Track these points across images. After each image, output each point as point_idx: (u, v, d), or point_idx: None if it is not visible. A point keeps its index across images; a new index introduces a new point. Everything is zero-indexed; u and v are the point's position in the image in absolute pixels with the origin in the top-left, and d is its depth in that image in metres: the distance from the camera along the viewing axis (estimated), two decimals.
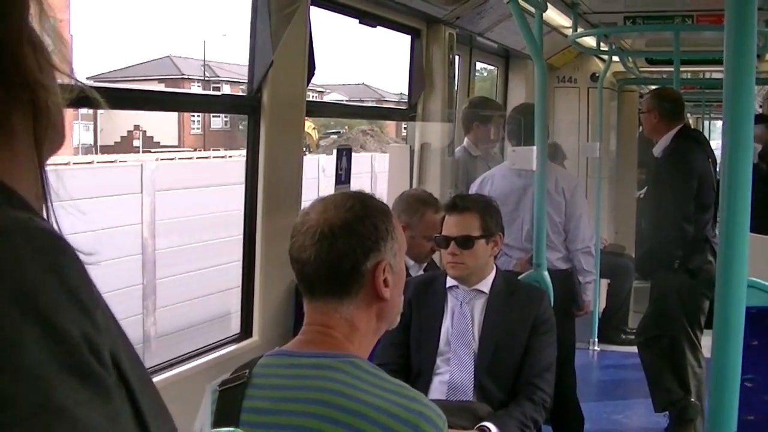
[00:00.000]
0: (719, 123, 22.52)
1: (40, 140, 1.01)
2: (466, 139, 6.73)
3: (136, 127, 47.76)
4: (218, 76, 53.49)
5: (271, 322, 4.54)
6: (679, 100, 6.30)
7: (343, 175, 5.06)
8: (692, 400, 6.03)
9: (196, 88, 51.44)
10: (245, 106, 4.46)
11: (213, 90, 46.64)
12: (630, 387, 7.61)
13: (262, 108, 4.36)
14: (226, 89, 48.73)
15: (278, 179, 4.49)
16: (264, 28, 4.30)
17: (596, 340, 8.79)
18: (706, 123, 17.38)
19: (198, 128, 53.31)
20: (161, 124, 48.61)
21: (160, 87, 37.78)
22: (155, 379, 3.75)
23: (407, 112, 6.42)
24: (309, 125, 37.53)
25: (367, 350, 2.31)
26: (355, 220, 2.22)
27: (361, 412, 2.05)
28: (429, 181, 6.36)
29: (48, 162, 1.05)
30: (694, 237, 5.85)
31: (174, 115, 45.76)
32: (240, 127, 41.92)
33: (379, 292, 2.23)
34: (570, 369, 5.64)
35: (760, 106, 14.69)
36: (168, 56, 56.52)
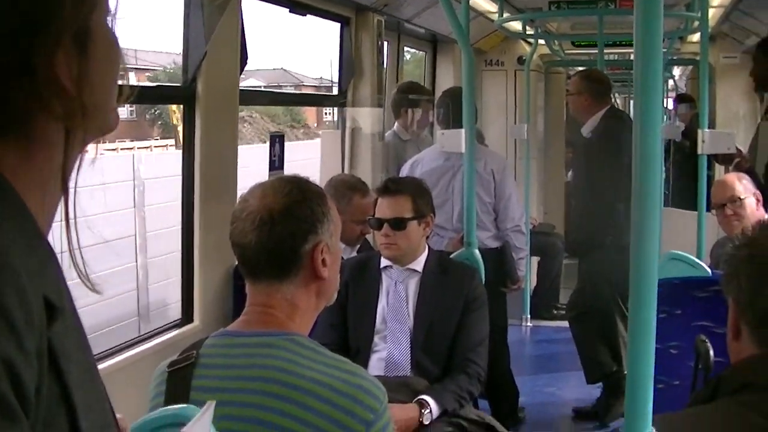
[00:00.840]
0: None
1: (71, 150, 1.09)
2: (396, 124, 6.84)
3: None
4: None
5: (211, 307, 4.62)
6: (606, 81, 6.45)
7: (276, 161, 5.15)
8: (625, 372, 6.17)
9: None
10: (180, 96, 4.53)
11: None
12: (562, 360, 7.76)
13: (197, 98, 4.43)
14: (131, 76, 46.42)
15: (215, 167, 4.56)
16: (197, 18, 4.36)
17: (528, 316, 8.96)
18: (629, 102, 17.61)
19: None
20: None
21: None
22: (100, 366, 3.83)
23: (338, 98, 6.51)
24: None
25: (308, 327, 2.39)
26: (293, 204, 2.31)
27: (303, 387, 2.15)
28: (360, 166, 6.46)
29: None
30: (625, 214, 6.00)
31: None
32: (147, 116, 39.91)
33: (317, 272, 2.33)
34: (503, 344, 5.78)
35: (684, 86, 14.99)
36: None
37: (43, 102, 1.02)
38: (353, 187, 4.73)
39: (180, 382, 2.30)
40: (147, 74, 47.68)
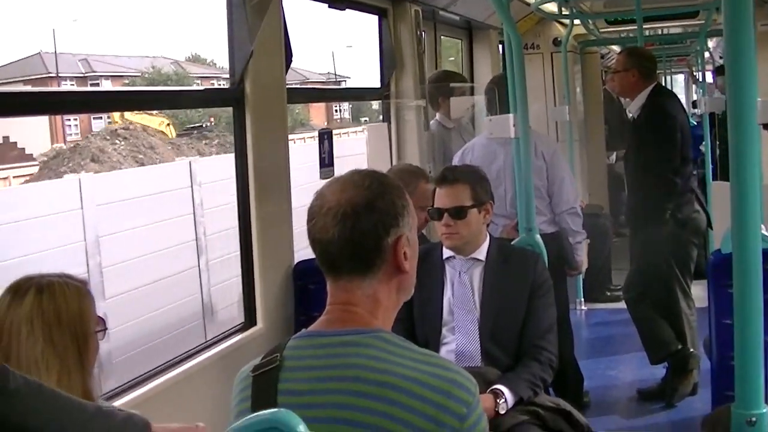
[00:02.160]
0: (680, 77, 22.77)
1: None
2: (438, 114, 6.81)
3: (5, 138, 35.76)
4: (95, 71, 47.78)
5: (274, 309, 4.60)
6: (653, 57, 6.41)
7: (326, 159, 5.11)
8: (691, 350, 6.12)
9: (68, 86, 44.96)
10: (229, 98, 4.50)
11: (90, 86, 42.03)
12: (621, 342, 7.69)
13: (246, 99, 4.41)
14: (107, 84, 44.96)
15: (267, 166, 4.53)
16: (241, 19, 4.34)
17: (582, 300, 8.88)
18: (668, 78, 17.50)
19: (76, 133, 43.40)
20: (31, 130, 36.18)
21: (27, 89, 32.67)
22: (165, 376, 3.81)
23: (381, 92, 6.47)
24: (161, 121, 34.04)
25: (390, 323, 2.34)
26: (375, 197, 2.25)
27: (394, 384, 2.10)
28: (408, 157, 6.42)
29: None
30: (682, 189, 5.95)
31: (45, 119, 38.81)
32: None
33: (400, 265, 2.27)
34: (566, 329, 5.70)
35: (720, 57, 14.83)
36: (38, 53, 49.27)
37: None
38: (416, 173, 4.71)
39: (266, 386, 2.24)
40: (125, 80, 46.83)
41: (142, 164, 26.38)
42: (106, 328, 2.74)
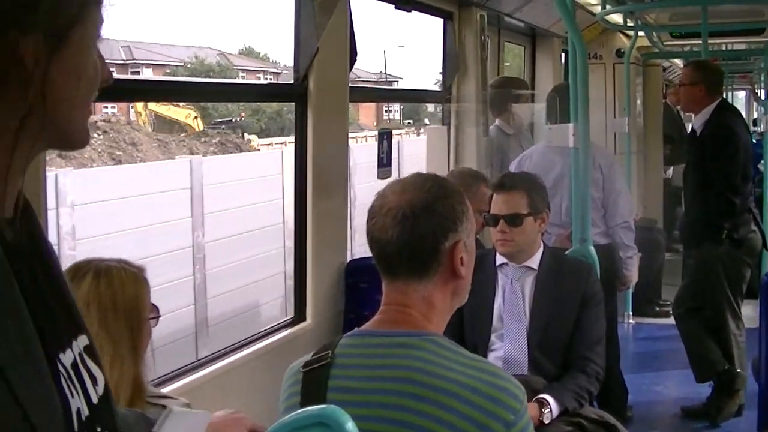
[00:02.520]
0: (741, 94, 22.54)
1: (24, 134, 1.26)
2: (497, 119, 6.81)
3: None
4: (135, 59, 46.27)
5: (324, 305, 4.62)
6: (721, 72, 6.35)
7: (384, 158, 5.13)
8: (738, 370, 6.07)
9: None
10: (292, 94, 4.54)
11: (131, 74, 40.73)
12: (667, 358, 7.66)
13: (309, 95, 4.44)
14: (148, 73, 44.68)
15: (326, 163, 4.57)
16: (308, 16, 4.37)
17: (630, 313, 8.83)
18: (729, 94, 17.33)
19: None
20: None
21: None
22: (214, 366, 3.85)
23: (442, 95, 6.49)
24: (188, 113, 33.50)
25: (443, 327, 2.36)
26: (435, 200, 2.27)
27: (444, 388, 2.11)
28: (465, 161, 6.42)
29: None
30: (740, 208, 5.90)
31: None
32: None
33: (456, 270, 2.29)
34: (614, 342, 5.68)
35: None
36: None
37: (10, 77, 1.21)
38: (477, 176, 4.71)
39: (316, 382, 2.27)
40: (166, 70, 46.72)
41: (119, 162, 24.74)
42: (159, 316, 2.77)
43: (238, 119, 38.93)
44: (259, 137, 35.56)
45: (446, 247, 2.27)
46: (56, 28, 1.27)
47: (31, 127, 1.27)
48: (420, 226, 2.25)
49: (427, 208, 2.26)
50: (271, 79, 42.46)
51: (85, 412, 1.31)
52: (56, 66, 1.27)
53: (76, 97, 1.32)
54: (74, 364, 1.33)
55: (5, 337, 1.15)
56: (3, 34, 1.21)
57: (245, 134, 35.06)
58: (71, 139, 1.36)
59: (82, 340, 1.38)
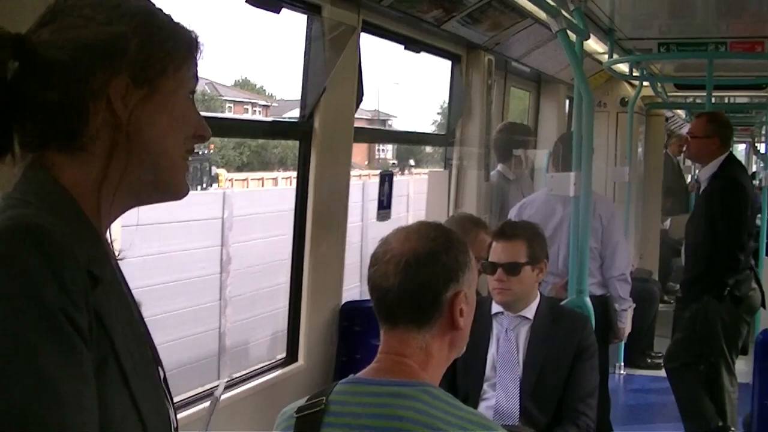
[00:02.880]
0: (740, 146, 22.60)
1: (111, 170, 1.47)
2: (500, 165, 6.81)
3: None
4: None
5: (317, 347, 4.59)
6: (731, 125, 6.32)
7: (384, 201, 5.12)
8: (732, 429, 6.04)
9: None
10: (297, 131, 4.53)
11: None
12: (658, 411, 7.62)
13: (314, 134, 4.43)
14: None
15: (326, 204, 4.55)
16: (318, 55, 4.37)
17: (623, 364, 8.79)
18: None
19: None
20: None
21: None
22: (204, 404, 3.81)
23: (446, 138, 6.48)
24: None
25: (438, 378, 2.34)
26: (439, 250, 2.26)
27: None
28: (465, 205, 6.41)
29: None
30: (743, 265, 5.89)
31: None
32: None
33: (455, 321, 2.28)
34: (604, 393, 5.67)
35: None
36: None
37: (96, 117, 1.42)
38: (477, 223, 4.67)
39: (308, 428, 2.25)
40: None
41: None
42: None
43: (205, 151, 38.83)
44: (240, 171, 35.44)
45: (447, 297, 2.26)
46: (145, 74, 1.46)
47: (119, 170, 1.48)
48: (423, 275, 2.24)
49: (430, 258, 2.25)
50: (259, 111, 42.81)
51: (175, 423, 1.59)
52: (144, 110, 1.46)
53: (166, 144, 1.51)
54: (164, 380, 1.60)
55: (131, 354, 1.42)
56: (92, 73, 1.41)
57: (212, 168, 34.84)
58: (168, 186, 1.55)
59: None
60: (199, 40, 1.59)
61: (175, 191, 1.58)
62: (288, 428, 2.30)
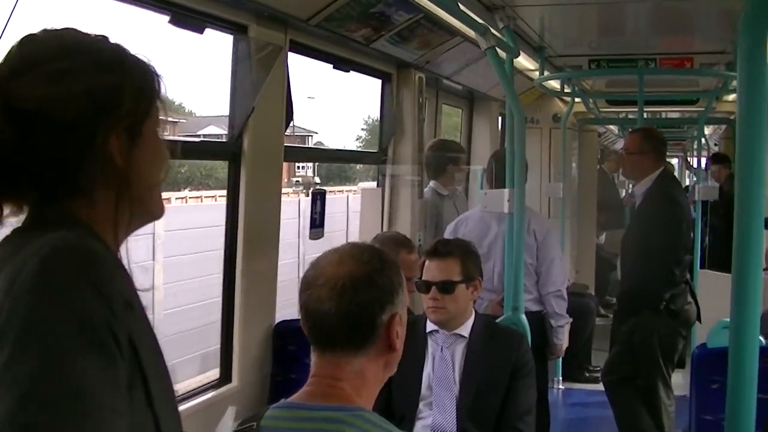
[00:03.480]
0: (674, 160, 22.88)
1: (120, 212, 1.57)
2: (432, 181, 6.80)
3: None
4: None
5: (251, 367, 4.53)
6: (665, 140, 6.34)
7: (317, 219, 5.08)
8: None
9: None
10: (226, 152, 4.47)
11: None
12: (597, 425, 7.64)
13: (243, 154, 4.38)
14: None
15: (258, 223, 4.50)
16: (245, 75, 4.32)
17: (560, 378, 8.80)
18: None
19: None
20: None
21: None
22: None
23: (378, 155, 6.45)
24: None
25: (372, 401, 2.29)
26: (374, 273, 2.22)
27: None
28: (399, 223, 6.39)
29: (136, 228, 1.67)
30: (679, 279, 5.91)
31: None
32: None
33: (392, 343, 2.24)
34: (544, 409, 5.65)
35: (716, 144, 14.91)
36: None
37: (101, 168, 1.52)
38: (400, 243, 4.63)
39: None
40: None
41: None
42: None
43: None
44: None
45: (384, 320, 2.22)
46: (134, 124, 1.56)
47: (126, 208, 1.58)
48: (359, 299, 2.19)
49: (366, 281, 2.21)
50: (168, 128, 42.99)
51: None
52: (136, 155, 1.57)
53: (153, 178, 1.64)
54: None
55: (157, 379, 1.50)
56: (93, 138, 1.51)
57: None
58: (152, 212, 1.68)
59: None
60: (157, 70, 1.67)
61: (159, 214, 1.70)
62: None
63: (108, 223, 1.57)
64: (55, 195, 1.52)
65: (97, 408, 1.30)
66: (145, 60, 1.64)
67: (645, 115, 7.82)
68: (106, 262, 1.44)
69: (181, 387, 4.42)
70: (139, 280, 1.57)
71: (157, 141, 1.64)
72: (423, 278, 4.07)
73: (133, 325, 1.44)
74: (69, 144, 1.49)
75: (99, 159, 1.52)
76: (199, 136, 26.41)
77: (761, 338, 4.23)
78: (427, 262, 4.10)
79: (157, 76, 1.65)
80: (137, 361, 1.44)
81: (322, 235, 5.07)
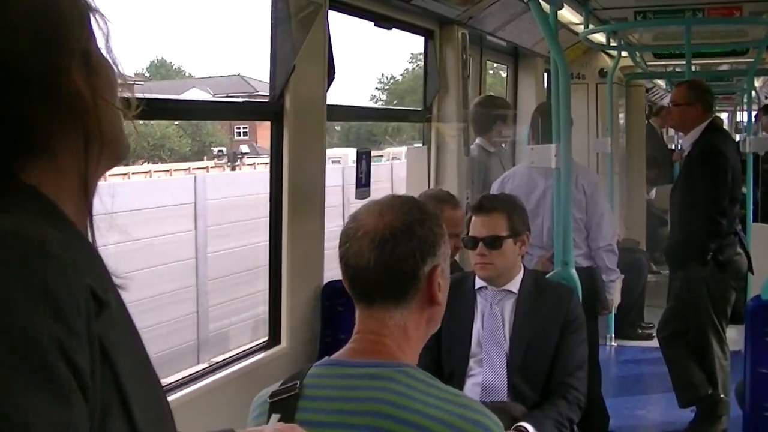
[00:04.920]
0: (724, 115, 22.63)
1: (90, 160, 1.27)
2: (479, 138, 6.74)
3: None
4: None
5: (299, 329, 4.51)
6: (713, 92, 6.30)
7: (363, 179, 5.04)
8: (721, 396, 5.99)
9: None
10: (268, 112, 4.44)
11: None
12: (650, 382, 7.59)
13: (285, 114, 4.34)
14: None
15: (302, 184, 4.47)
16: (285, 34, 4.27)
17: (613, 335, 8.75)
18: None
19: None
20: None
21: None
22: (185, 390, 3.74)
23: (423, 114, 6.40)
24: None
25: (417, 356, 2.26)
26: (414, 224, 2.18)
27: (418, 423, 2.01)
28: (446, 181, 6.34)
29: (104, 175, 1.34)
30: (726, 230, 5.84)
31: None
32: None
33: (434, 296, 2.20)
34: (595, 366, 5.59)
35: (766, 97, 14.68)
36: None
37: (66, 112, 1.21)
38: (443, 199, 4.58)
39: (282, 413, 2.16)
40: None
41: None
42: None
43: None
44: None
45: (425, 272, 2.18)
46: (83, 48, 1.26)
47: (96, 157, 1.27)
48: (400, 249, 2.15)
49: (406, 232, 2.17)
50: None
51: None
52: (96, 85, 1.27)
53: (115, 111, 1.32)
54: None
55: (141, 399, 1.17)
56: (52, 77, 1.19)
57: None
58: (120, 150, 1.35)
59: None
60: None
61: (126, 152, 1.38)
62: (262, 414, 2.22)
63: (74, 181, 1.25)
64: (4, 159, 1.19)
65: None
66: None
67: (693, 68, 7.71)
68: (62, 254, 1.08)
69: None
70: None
71: (105, 60, 1.31)
72: (470, 234, 4.03)
73: (107, 329, 1.12)
74: (23, 91, 1.18)
75: (63, 101, 1.21)
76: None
77: None
78: (473, 218, 4.06)
79: None
80: (114, 378, 1.12)
81: (369, 195, 5.03)
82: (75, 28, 1.23)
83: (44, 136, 1.20)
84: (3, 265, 1.02)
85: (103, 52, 1.32)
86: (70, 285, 1.05)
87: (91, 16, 1.30)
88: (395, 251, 2.15)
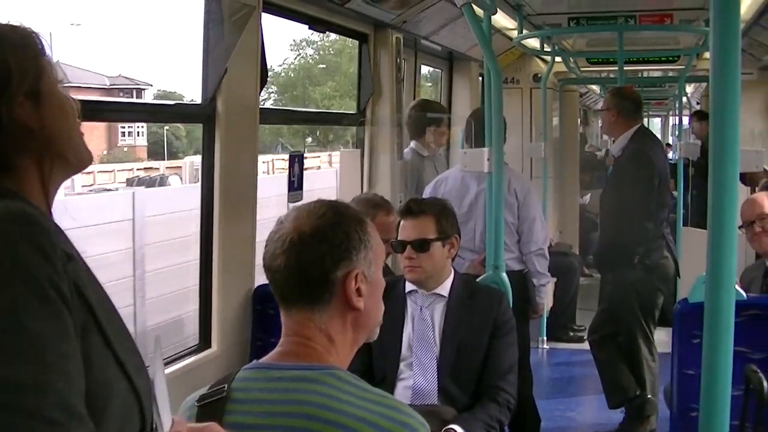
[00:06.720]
0: (656, 120, 22.92)
1: (45, 172, 1.70)
2: (413, 142, 6.76)
3: None
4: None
5: (230, 332, 4.49)
6: (638, 99, 6.38)
7: (295, 182, 5.03)
8: (649, 396, 6.08)
9: None
10: (199, 115, 4.41)
11: None
12: (581, 384, 7.66)
13: (217, 116, 4.31)
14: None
15: (234, 186, 4.44)
16: (217, 36, 4.25)
17: (545, 338, 8.83)
18: (645, 121, 17.58)
19: None
20: None
21: None
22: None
23: (357, 117, 6.40)
24: None
25: (347, 361, 2.26)
26: (325, 227, 2.19)
27: (345, 425, 2.02)
28: (380, 185, 6.35)
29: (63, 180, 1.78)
30: (653, 234, 5.92)
31: None
32: None
33: (351, 301, 2.20)
34: (526, 369, 5.64)
35: (698, 103, 14.90)
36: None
37: (16, 140, 1.64)
38: (377, 204, 4.60)
39: (211, 418, 2.15)
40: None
41: None
42: None
43: None
44: None
45: (338, 276, 2.18)
46: (32, 87, 1.67)
47: (49, 167, 1.70)
48: (306, 253, 2.16)
49: (314, 235, 2.17)
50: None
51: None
52: (46, 115, 1.68)
53: (68, 128, 1.74)
54: None
55: (109, 320, 1.61)
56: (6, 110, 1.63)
57: None
58: (81, 161, 1.78)
59: None
60: (39, 35, 1.76)
61: (87, 161, 1.80)
62: (191, 417, 2.20)
63: (36, 187, 1.69)
64: None
65: (48, 354, 1.42)
66: (17, 24, 1.73)
67: (627, 75, 7.78)
68: (43, 222, 1.54)
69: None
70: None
71: (59, 93, 1.74)
72: (398, 238, 4.04)
73: (76, 274, 1.54)
74: None
75: (14, 131, 1.64)
76: None
77: (739, 289, 4.25)
78: (401, 222, 4.07)
79: (35, 34, 1.74)
80: (88, 307, 1.55)
81: (301, 198, 5.02)
82: (18, 77, 1.64)
83: (5, 156, 1.64)
84: (16, 230, 1.49)
85: (58, 86, 1.74)
86: (51, 240, 1.50)
87: (44, 59, 1.72)
88: (302, 255, 2.17)
